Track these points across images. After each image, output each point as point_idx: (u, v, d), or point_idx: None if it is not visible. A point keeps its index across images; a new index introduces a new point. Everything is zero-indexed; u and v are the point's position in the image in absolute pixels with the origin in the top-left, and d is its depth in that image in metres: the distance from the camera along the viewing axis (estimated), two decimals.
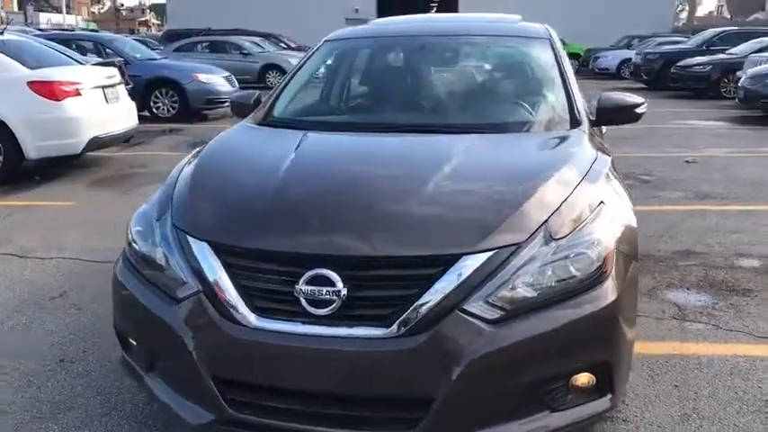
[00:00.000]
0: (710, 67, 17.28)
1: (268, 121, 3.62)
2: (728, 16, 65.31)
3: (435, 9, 50.82)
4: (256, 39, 23.34)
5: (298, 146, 3.07)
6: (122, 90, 8.43)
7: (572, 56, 24.74)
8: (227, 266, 2.31)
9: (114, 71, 8.38)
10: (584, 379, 2.31)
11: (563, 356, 2.25)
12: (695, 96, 17.19)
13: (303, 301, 2.20)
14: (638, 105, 3.51)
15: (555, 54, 3.78)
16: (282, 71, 20.97)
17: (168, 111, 12.74)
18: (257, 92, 4.06)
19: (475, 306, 2.16)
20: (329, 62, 4.20)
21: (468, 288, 2.16)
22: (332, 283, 2.18)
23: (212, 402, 2.31)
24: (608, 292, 2.29)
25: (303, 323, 2.21)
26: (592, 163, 2.79)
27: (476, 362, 2.11)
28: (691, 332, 3.65)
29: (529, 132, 3.30)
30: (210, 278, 2.30)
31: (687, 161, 8.64)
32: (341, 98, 4.16)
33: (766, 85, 12.39)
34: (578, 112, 3.38)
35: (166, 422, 2.83)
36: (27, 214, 6.23)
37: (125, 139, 8.64)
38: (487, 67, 4.09)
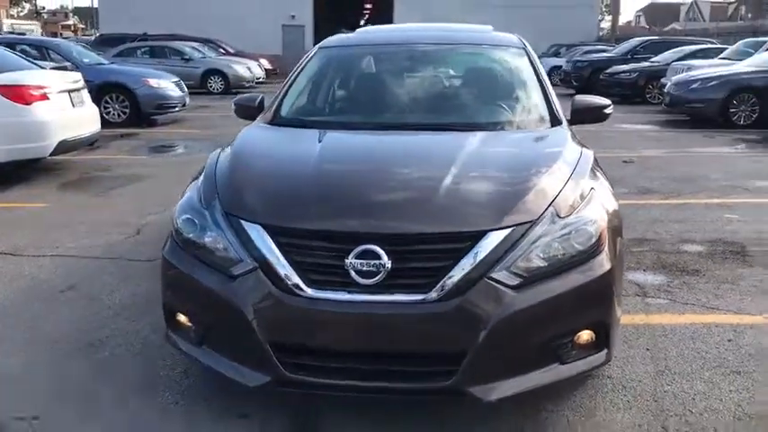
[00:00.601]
0: (637, 74, 18.38)
1: (277, 122, 3.94)
2: (646, 26, 68.20)
3: (367, 18, 50.99)
4: (195, 44, 23.29)
5: (320, 140, 3.43)
6: (86, 94, 8.51)
7: None
8: (279, 245, 2.64)
9: (79, 76, 8.46)
10: (585, 336, 2.75)
11: (570, 316, 2.68)
12: (623, 101, 18.07)
13: (353, 273, 2.55)
14: (606, 106, 4.00)
15: (531, 61, 4.24)
16: (224, 76, 21.08)
17: (119, 116, 12.72)
18: (260, 95, 4.37)
19: (499, 274, 2.55)
20: (325, 67, 4.52)
21: (493, 259, 2.56)
22: (378, 257, 2.54)
23: (269, 366, 2.62)
24: (604, 261, 2.74)
25: (352, 292, 2.55)
26: (580, 155, 3.25)
27: (502, 320, 2.51)
28: (653, 306, 4.16)
29: (519, 130, 3.73)
30: (267, 256, 2.62)
31: (625, 161, 9.31)
32: (341, 100, 4.47)
33: (690, 91, 13.34)
34: (557, 112, 3.85)
35: (206, 393, 3.12)
36: (4, 216, 6.30)
37: (90, 143, 8.73)
38: (475, 72, 4.50)
